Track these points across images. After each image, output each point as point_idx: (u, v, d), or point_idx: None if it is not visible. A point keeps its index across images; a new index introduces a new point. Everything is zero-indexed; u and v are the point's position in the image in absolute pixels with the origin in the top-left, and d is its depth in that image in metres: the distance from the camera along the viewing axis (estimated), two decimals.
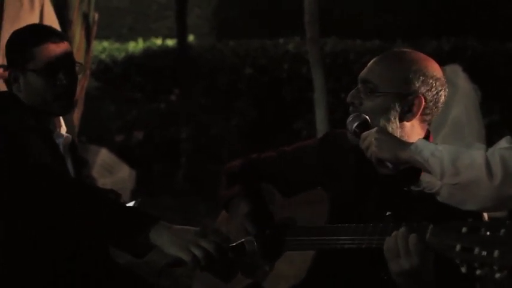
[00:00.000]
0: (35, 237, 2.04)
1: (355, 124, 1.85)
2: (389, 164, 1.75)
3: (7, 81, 2.24)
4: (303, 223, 1.92)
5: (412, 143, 1.72)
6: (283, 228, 1.95)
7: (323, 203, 1.88)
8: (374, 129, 1.79)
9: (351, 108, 1.90)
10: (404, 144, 1.74)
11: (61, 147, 2.18)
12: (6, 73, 3.64)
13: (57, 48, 2.15)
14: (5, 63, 3.70)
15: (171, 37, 7.91)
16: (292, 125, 6.65)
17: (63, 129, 2.24)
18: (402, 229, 1.62)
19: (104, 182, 5.64)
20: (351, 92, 1.90)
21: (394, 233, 1.62)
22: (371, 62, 1.93)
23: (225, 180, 2.14)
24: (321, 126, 4.91)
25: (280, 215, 2.01)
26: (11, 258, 2.07)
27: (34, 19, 3.73)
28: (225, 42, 7.40)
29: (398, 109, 1.85)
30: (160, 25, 8.72)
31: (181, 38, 6.33)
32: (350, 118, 1.88)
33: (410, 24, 7.68)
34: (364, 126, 1.84)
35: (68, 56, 2.17)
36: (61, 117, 2.25)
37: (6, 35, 3.68)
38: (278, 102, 6.74)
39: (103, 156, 5.80)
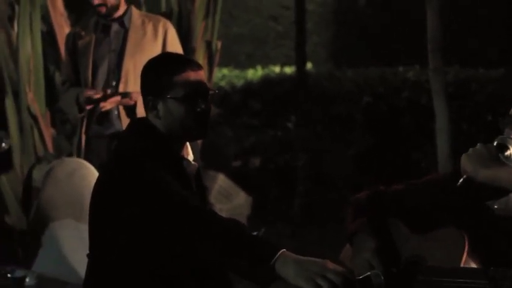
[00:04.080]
0: (159, 264, 2.06)
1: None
2: None
3: (145, 108, 2.27)
4: (435, 262, 1.84)
5: None
6: (412, 265, 1.88)
7: (457, 242, 1.80)
8: None
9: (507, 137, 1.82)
10: None
11: (189, 174, 2.21)
12: (128, 100, 3.78)
13: (196, 76, 2.20)
14: (127, 90, 3.84)
15: (289, 64, 7.96)
16: (410, 155, 6.50)
17: (191, 157, 2.27)
18: None
19: (220, 207, 5.71)
20: (508, 129, 1.83)
21: None
22: None
23: (351, 212, 2.09)
24: (442, 158, 4.78)
25: (408, 252, 1.94)
26: (128, 284, 2.10)
27: (157, 48, 3.84)
28: (343, 70, 7.37)
29: None
30: (279, 52, 8.78)
31: (300, 65, 6.35)
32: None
33: None
34: None
35: (204, 83, 2.23)
36: (188, 145, 2.28)
37: (128, 63, 3.82)
38: (396, 131, 6.62)
39: (221, 182, 5.88)
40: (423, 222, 1.95)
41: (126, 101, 3.81)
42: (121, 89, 3.85)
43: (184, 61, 2.23)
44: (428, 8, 4.74)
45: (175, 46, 3.94)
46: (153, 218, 1.97)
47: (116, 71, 3.86)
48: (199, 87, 2.19)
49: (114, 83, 3.89)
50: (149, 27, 3.88)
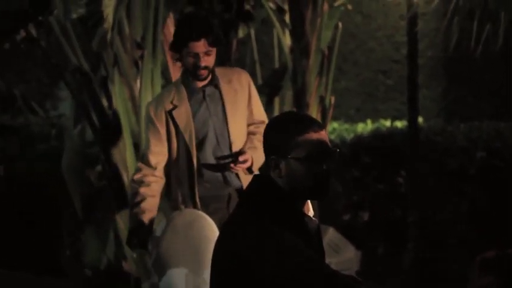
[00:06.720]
0: None
1: None
2: None
3: (269, 167, 2.32)
4: None
5: None
6: None
7: None
8: None
9: None
10: None
11: (310, 230, 2.25)
12: (248, 163, 3.73)
13: (318, 136, 2.24)
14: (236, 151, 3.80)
15: (399, 118, 7.91)
16: None
17: (311, 213, 2.31)
18: None
19: (330, 261, 5.67)
20: None
21: None
22: None
23: (478, 270, 2.07)
24: None
25: None
26: None
27: (245, 102, 3.82)
28: (456, 124, 7.25)
29: None
30: (388, 106, 8.76)
31: (412, 119, 6.30)
32: None
33: None
34: None
35: (326, 144, 2.25)
36: (309, 201, 2.32)
37: (233, 125, 3.80)
38: None
39: (330, 235, 5.86)
40: None
41: (248, 164, 3.77)
42: (233, 151, 3.77)
43: (307, 121, 2.26)
44: None
45: (257, 96, 3.89)
46: (285, 282, 2.00)
47: (226, 136, 3.75)
48: (321, 148, 2.22)
49: (223, 148, 3.75)
50: (236, 84, 3.76)
